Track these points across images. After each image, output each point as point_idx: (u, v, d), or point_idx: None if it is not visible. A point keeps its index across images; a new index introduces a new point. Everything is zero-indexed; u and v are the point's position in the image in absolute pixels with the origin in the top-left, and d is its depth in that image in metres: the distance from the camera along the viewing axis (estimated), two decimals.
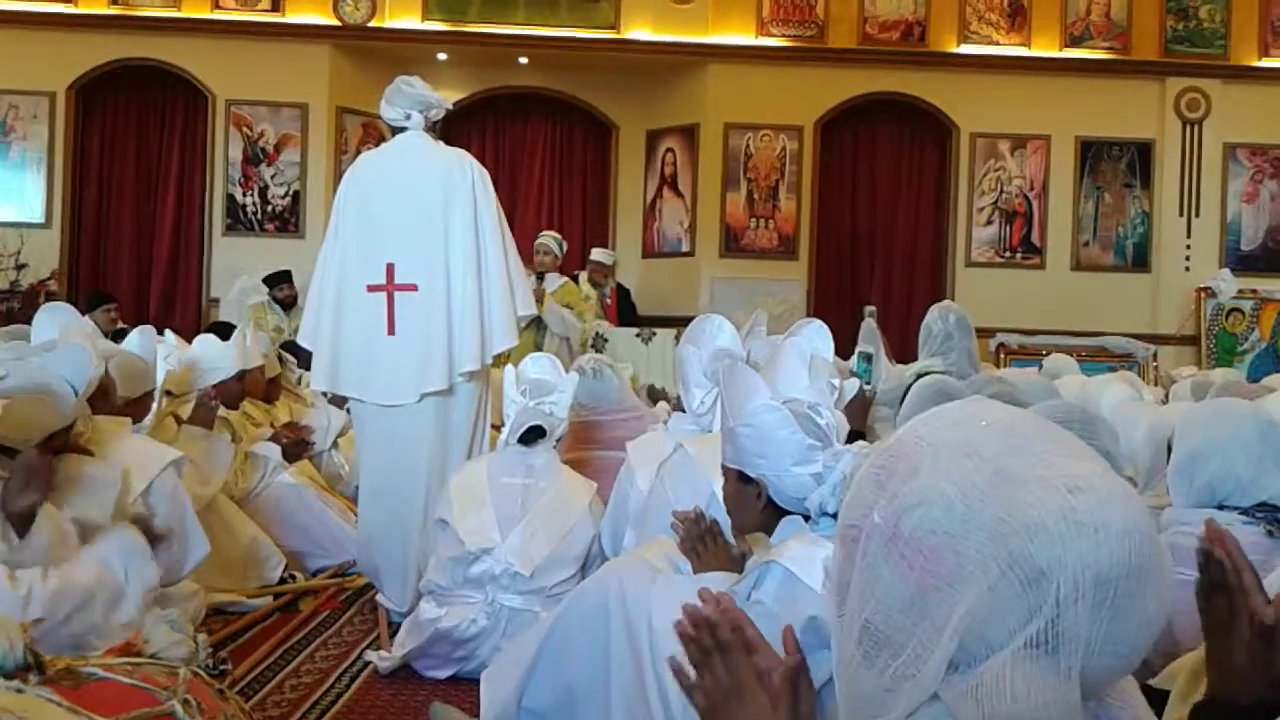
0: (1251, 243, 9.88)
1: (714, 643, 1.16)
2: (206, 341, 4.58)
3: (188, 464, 3.40)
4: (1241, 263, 9.77)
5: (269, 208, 9.39)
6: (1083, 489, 0.92)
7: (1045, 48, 9.68)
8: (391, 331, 3.57)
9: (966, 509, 0.92)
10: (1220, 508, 2.42)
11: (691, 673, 1.17)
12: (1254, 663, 1.54)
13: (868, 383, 3.66)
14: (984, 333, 8.76)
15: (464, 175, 3.61)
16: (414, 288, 3.56)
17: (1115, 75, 9.68)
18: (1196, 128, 9.73)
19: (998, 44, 9.66)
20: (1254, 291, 9.59)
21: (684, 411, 3.08)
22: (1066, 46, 9.71)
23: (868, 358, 3.77)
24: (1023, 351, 8.87)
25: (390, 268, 3.57)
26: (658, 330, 7.54)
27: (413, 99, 3.72)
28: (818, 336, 2.82)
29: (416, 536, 3.57)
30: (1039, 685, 0.90)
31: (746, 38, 9.57)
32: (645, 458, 2.94)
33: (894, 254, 9.99)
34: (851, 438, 3.51)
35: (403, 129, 3.76)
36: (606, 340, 7.18)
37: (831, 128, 9.81)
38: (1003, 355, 9.02)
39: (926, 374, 4.71)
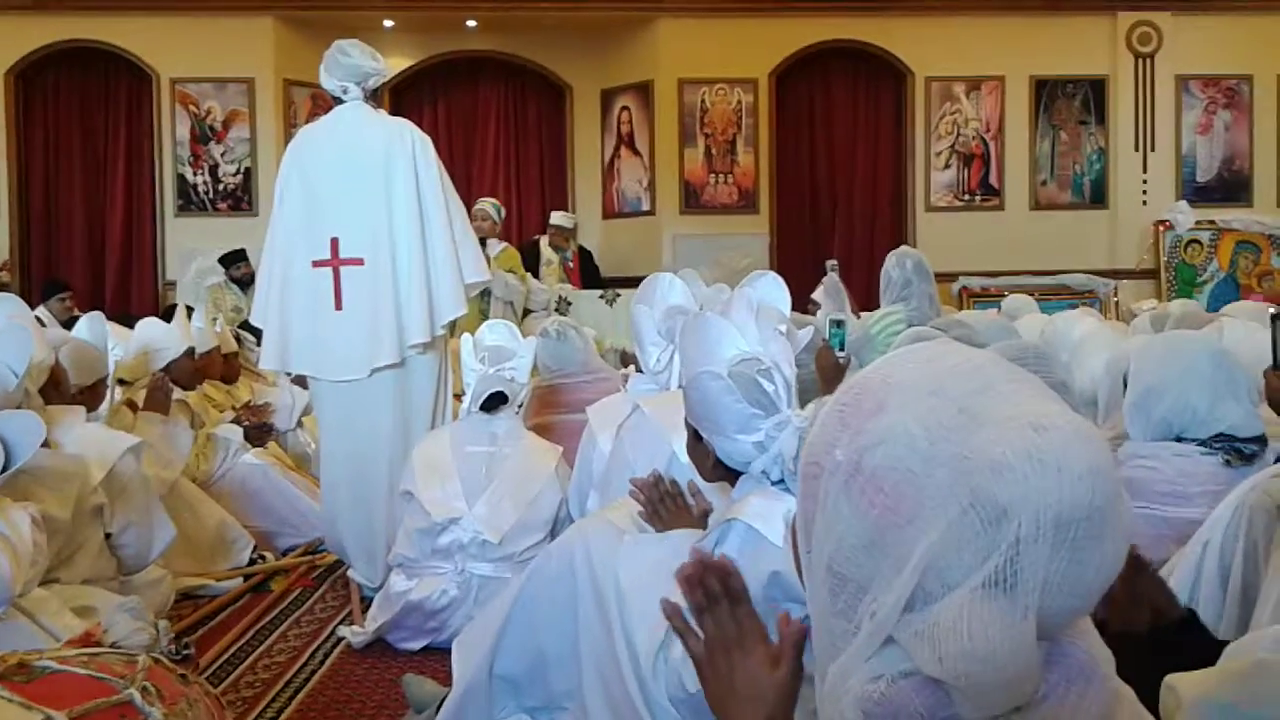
0: (1207, 174, 9.93)
1: (722, 589, 1.16)
2: (149, 324, 4.53)
3: (146, 449, 3.36)
4: (1198, 194, 9.83)
5: (220, 186, 9.25)
6: (1047, 428, 0.90)
7: None
8: (339, 306, 3.54)
9: (930, 446, 0.91)
10: (1178, 440, 2.44)
11: (690, 620, 1.17)
12: (1125, 589, 1.57)
13: (841, 348, 3.66)
14: (947, 277, 8.83)
15: (403, 144, 3.56)
16: (360, 261, 3.53)
17: (1067, 12, 9.65)
18: (1149, 61, 9.74)
19: None
20: (1211, 222, 9.66)
21: (642, 372, 3.06)
22: None
23: (838, 323, 3.76)
24: (985, 294, 8.92)
25: (334, 242, 3.54)
26: (621, 291, 7.51)
27: (348, 69, 3.65)
28: (771, 288, 2.81)
29: (382, 510, 3.56)
30: (995, 624, 0.89)
31: None
32: (605, 420, 2.93)
33: (854, 202, 9.97)
34: None
35: (341, 100, 3.70)
36: (570, 303, 7.15)
37: (786, 79, 9.74)
38: (966, 298, 9.07)
39: (888, 321, 4.74)
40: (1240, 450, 2.43)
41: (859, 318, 5.20)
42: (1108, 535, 0.90)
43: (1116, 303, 8.77)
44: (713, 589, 1.16)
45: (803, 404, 3.80)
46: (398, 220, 3.54)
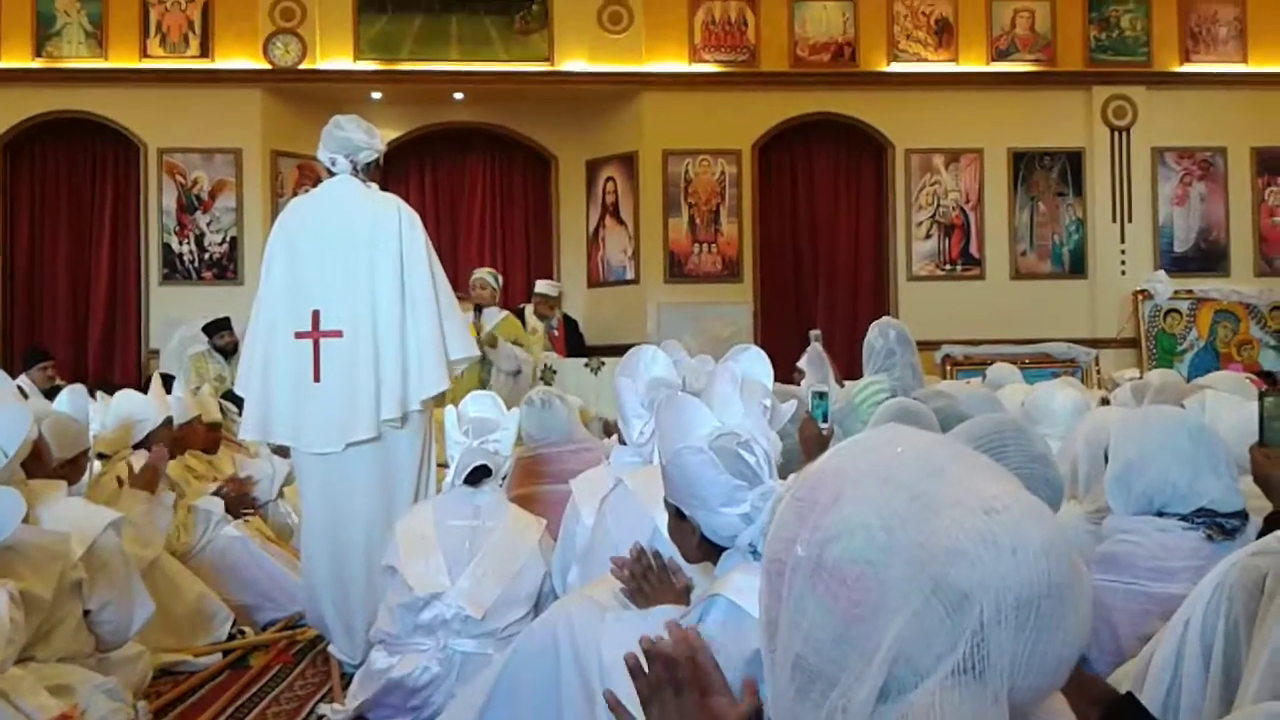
0: (1184, 244, 10.08)
1: (667, 678, 1.15)
2: (126, 396, 4.52)
3: (127, 525, 3.32)
4: (1176, 264, 9.96)
5: (206, 255, 9.28)
6: (999, 510, 0.92)
7: (973, 62, 9.85)
8: (317, 378, 3.55)
9: (887, 537, 0.93)
10: (1160, 515, 2.45)
11: (633, 710, 1.16)
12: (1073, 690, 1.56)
13: (825, 420, 3.68)
14: (929, 345, 8.89)
15: (390, 220, 3.60)
16: (339, 334, 3.54)
17: (1043, 86, 9.88)
18: (1124, 134, 9.94)
19: (927, 61, 9.81)
20: (1189, 292, 9.78)
21: (625, 444, 3.07)
22: (994, 60, 9.88)
23: (821, 394, 3.78)
24: (968, 362, 8.98)
25: (316, 314, 3.55)
26: (606, 360, 7.53)
27: (339, 142, 3.70)
28: (755, 362, 2.82)
29: (363, 584, 3.53)
30: (967, 711, 0.90)
31: (680, 64, 9.65)
32: (589, 493, 2.92)
33: (837, 271, 10.07)
34: None
35: (332, 173, 3.74)
36: (555, 372, 7.16)
37: (769, 150, 9.89)
38: (949, 367, 9.12)
39: (871, 390, 4.76)
40: (1222, 525, 2.43)
41: (842, 387, 5.24)
42: (1070, 610, 0.91)
43: (1098, 371, 8.83)
44: (657, 679, 1.15)
45: (787, 476, 3.79)
46: (380, 295, 3.57)
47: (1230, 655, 1.93)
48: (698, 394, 2.69)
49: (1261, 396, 2.99)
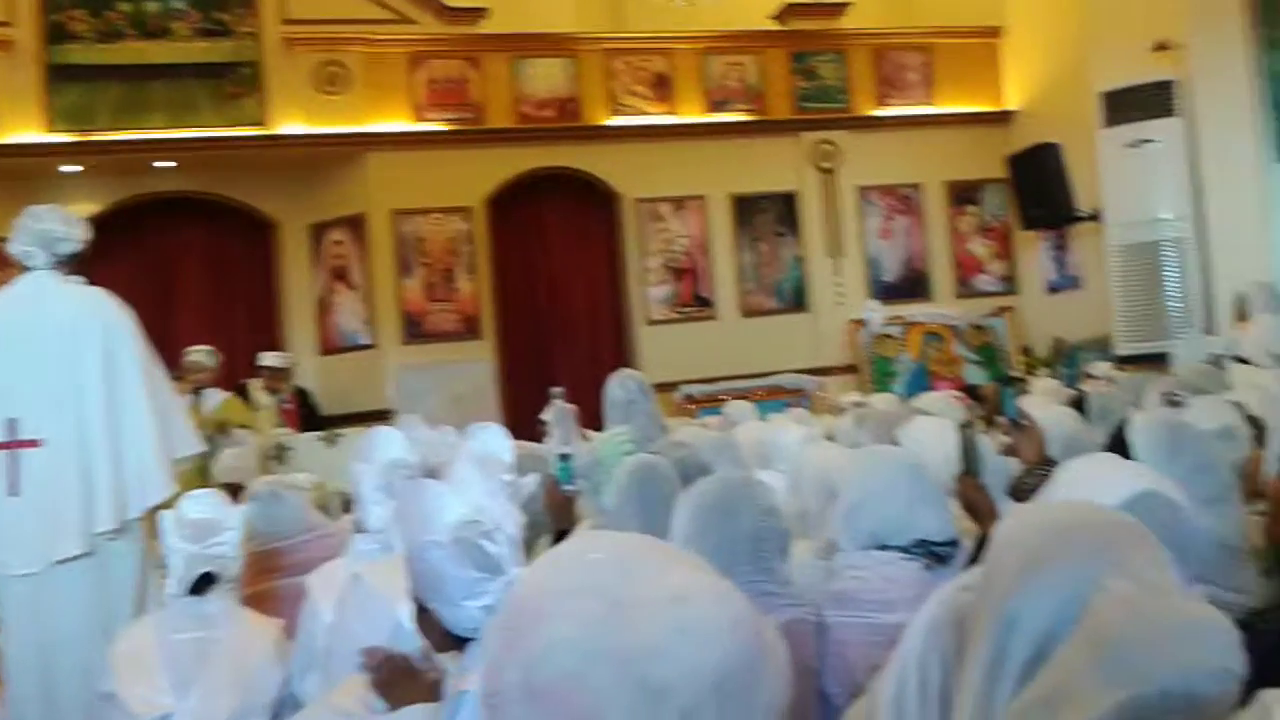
0: (893, 274, 10.84)
1: None
2: None
3: None
4: (887, 293, 10.68)
5: None
6: (687, 598, 0.96)
7: (691, 114, 10.27)
8: (14, 492, 3.22)
9: (591, 646, 0.94)
10: (883, 548, 2.58)
11: None
12: None
13: (570, 482, 3.69)
14: (671, 386, 9.13)
15: (95, 317, 3.33)
16: (39, 443, 3.23)
17: (756, 134, 10.41)
18: (831, 175, 10.61)
19: (647, 114, 10.15)
20: (900, 317, 10.51)
21: (363, 531, 2.94)
22: (710, 111, 10.34)
23: (565, 456, 3.80)
24: (708, 399, 9.28)
25: (12, 423, 3.23)
26: (344, 431, 7.27)
27: (35, 235, 3.40)
28: (494, 438, 2.78)
29: (79, 717, 3.20)
30: None
31: (405, 124, 9.53)
32: (326, 588, 2.78)
33: (577, 321, 10.18)
34: (559, 536, 3.49)
35: (28, 268, 3.43)
36: (289, 449, 6.83)
37: (501, 205, 9.90)
38: (690, 405, 9.39)
39: (615, 443, 4.82)
40: (937, 553, 2.60)
41: (588, 439, 5.28)
42: (762, 678, 0.97)
43: (824, 397, 9.32)
44: None
45: (538, 539, 3.76)
46: (87, 399, 3.28)
47: (945, 688, 2.05)
48: (438, 470, 2.64)
49: (963, 428, 3.23)
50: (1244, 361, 6.00)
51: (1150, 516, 1.75)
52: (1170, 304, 8.22)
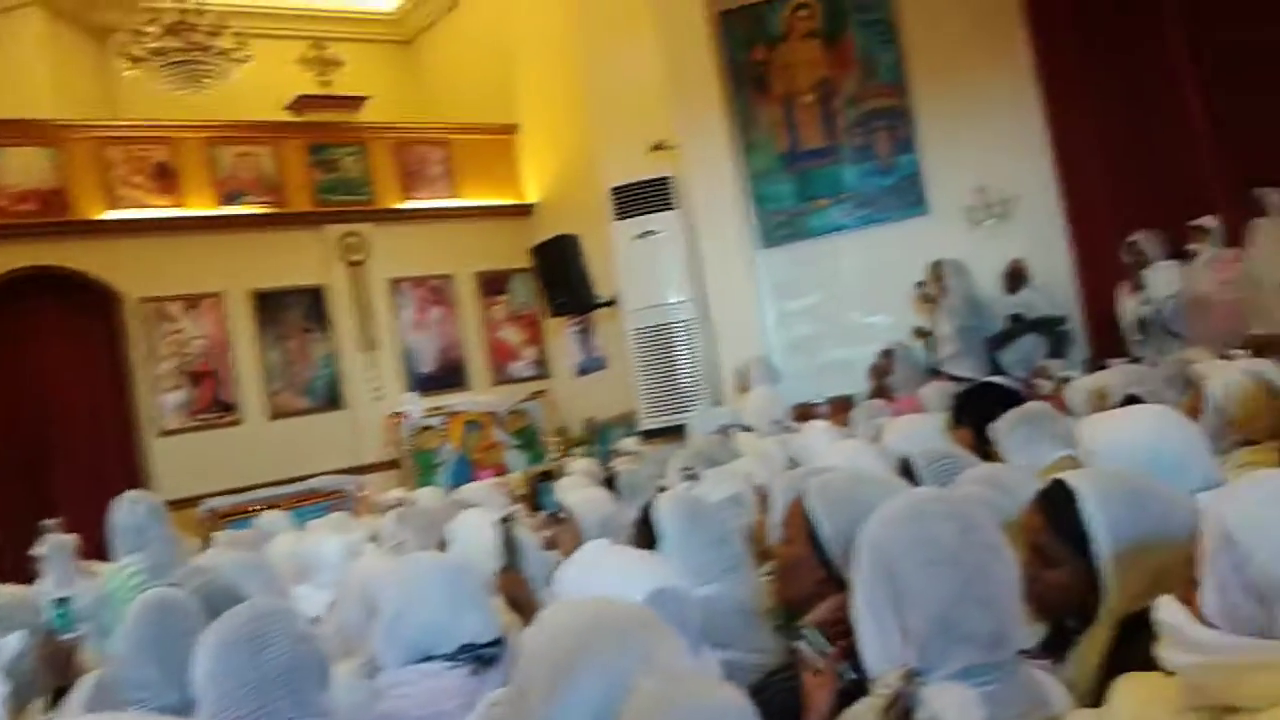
0: (429, 365, 10.83)
1: None
2: None
3: None
4: (425, 384, 10.65)
5: None
6: None
7: (201, 206, 9.67)
8: None
9: None
10: (428, 658, 2.46)
11: None
12: None
13: (70, 629, 3.19)
14: (190, 502, 8.39)
15: None
16: None
17: (277, 227, 10.01)
18: (361, 268, 10.44)
19: (149, 206, 9.39)
20: (440, 408, 10.48)
21: None
22: (223, 204, 9.79)
23: (62, 600, 3.30)
24: (236, 511, 8.62)
25: None
26: None
27: None
28: None
29: None
30: None
31: None
32: None
33: (77, 439, 9.06)
34: (58, 694, 2.95)
35: None
36: None
37: None
38: (217, 520, 8.66)
39: (125, 575, 4.36)
40: (482, 657, 2.51)
41: (95, 574, 4.67)
42: None
43: (366, 497, 9.03)
44: None
45: (29, 703, 3.18)
46: None
47: None
48: None
49: (503, 521, 3.19)
50: (749, 429, 6.58)
51: (665, 610, 1.79)
52: (684, 380, 8.91)
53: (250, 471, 9.22)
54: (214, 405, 9.54)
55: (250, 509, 8.14)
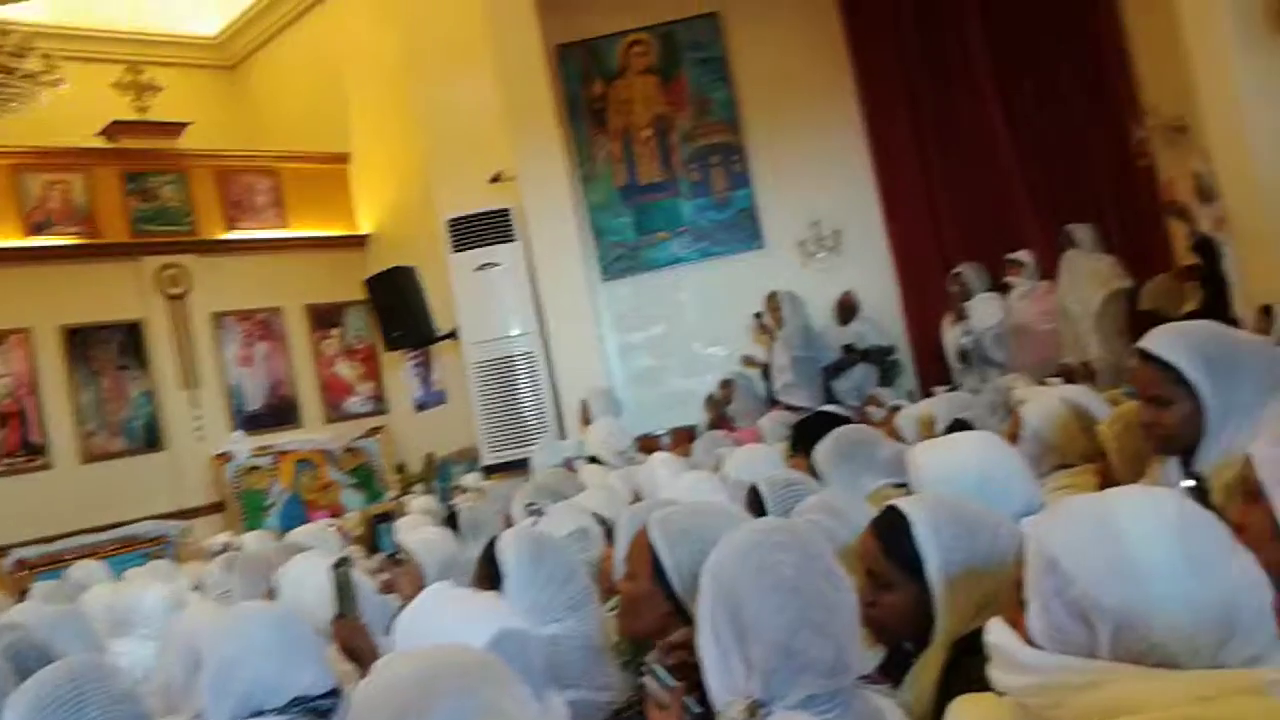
0: (257, 402, 10.41)
1: None
2: None
3: None
4: (252, 422, 10.23)
5: None
6: None
7: (6, 237, 9.08)
8: None
9: None
10: (259, 714, 2.34)
11: None
12: None
13: None
14: None
15: None
16: None
17: (89, 259, 9.48)
18: (181, 302, 9.98)
19: None
20: (269, 447, 10.09)
21: None
22: (31, 234, 9.23)
23: None
24: (48, 561, 8.09)
25: None
26: None
27: None
28: None
29: None
30: None
31: None
32: None
33: None
34: None
35: None
36: None
37: None
38: (26, 571, 8.11)
39: None
40: (316, 709, 2.41)
41: None
42: None
43: (190, 543, 8.61)
44: None
45: None
46: None
47: None
48: None
49: (335, 567, 3.07)
50: (595, 461, 6.55)
51: (508, 654, 1.75)
52: (526, 413, 8.83)
53: (62, 519, 8.67)
54: (21, 448, 8.93)
55: (63, 558, 7.65)
